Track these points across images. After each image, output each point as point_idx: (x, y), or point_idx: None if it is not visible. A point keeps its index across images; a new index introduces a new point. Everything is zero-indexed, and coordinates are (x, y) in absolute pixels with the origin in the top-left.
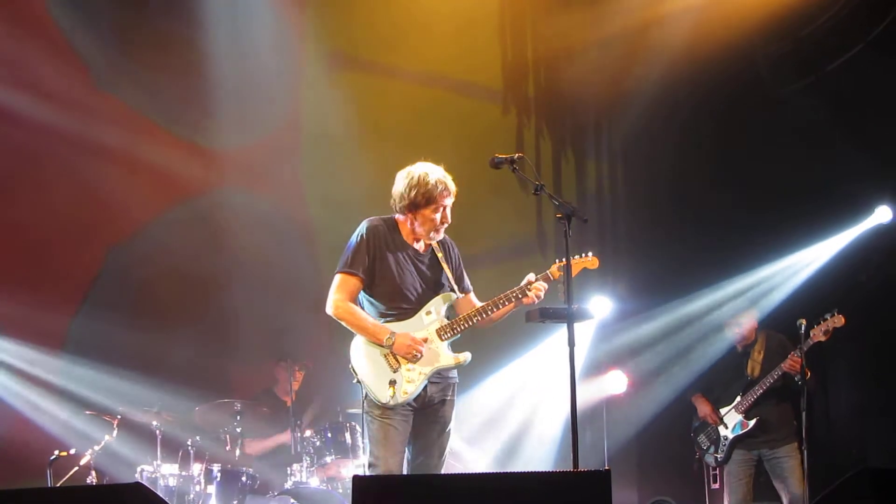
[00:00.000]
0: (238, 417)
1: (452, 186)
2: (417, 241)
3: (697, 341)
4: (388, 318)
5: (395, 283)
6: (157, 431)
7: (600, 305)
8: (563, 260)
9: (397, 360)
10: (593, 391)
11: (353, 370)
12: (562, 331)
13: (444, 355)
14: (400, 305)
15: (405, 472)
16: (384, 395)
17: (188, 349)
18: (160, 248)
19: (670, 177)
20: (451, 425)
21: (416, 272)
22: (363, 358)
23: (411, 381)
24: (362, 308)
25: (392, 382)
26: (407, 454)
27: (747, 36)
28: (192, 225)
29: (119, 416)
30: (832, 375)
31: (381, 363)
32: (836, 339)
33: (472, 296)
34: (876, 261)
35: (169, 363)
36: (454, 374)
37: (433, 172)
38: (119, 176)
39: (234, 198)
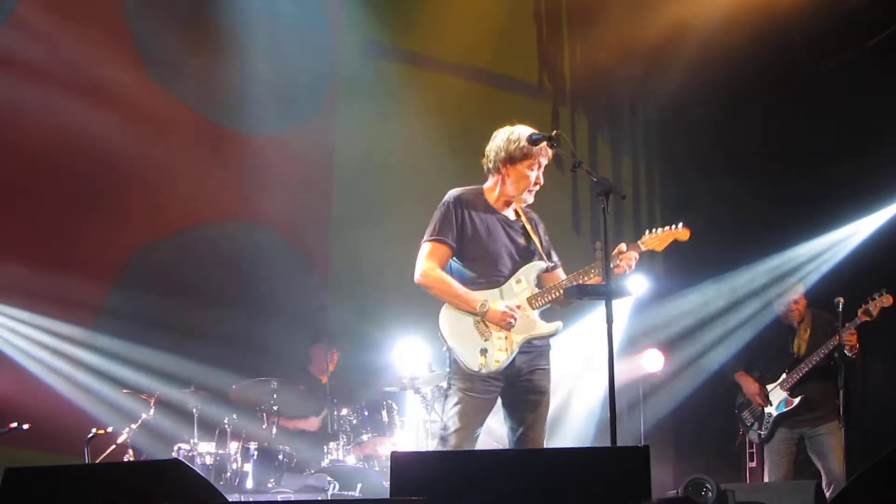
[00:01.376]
0: (275, 395)
1: (546, 149)
2: (507, 207)
3: (735, 319)
4: (477, 286)
5: (485, 249)
6: (194, 410)
7: (637, 283)
8: (653, 231)
9: (488, 328)
10: (630, 370)
11: (443, 338)
12: (600, 308)
13: (537, 323)
14: (490, 272)
15: (503, 447)
16: (475, 362)
17: (224, 328)
18: (195, 227)
19: (707, 152)
20: (549, 394)
21: (507, 239)
22: (453, 326)
23: (503, 350)
24: (451, 276)
25: (483, 351)
26: (507, 430)
27: (784, 12)
28: (228, 205)
29: (156, 395)
30: (870, 352)
31: (472, 331)
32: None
33: (559, 271)
34: None
35: (205, 341)
36: (545, 342)
37: (524, 129)
38: (153, 157)
39: (270, 178)
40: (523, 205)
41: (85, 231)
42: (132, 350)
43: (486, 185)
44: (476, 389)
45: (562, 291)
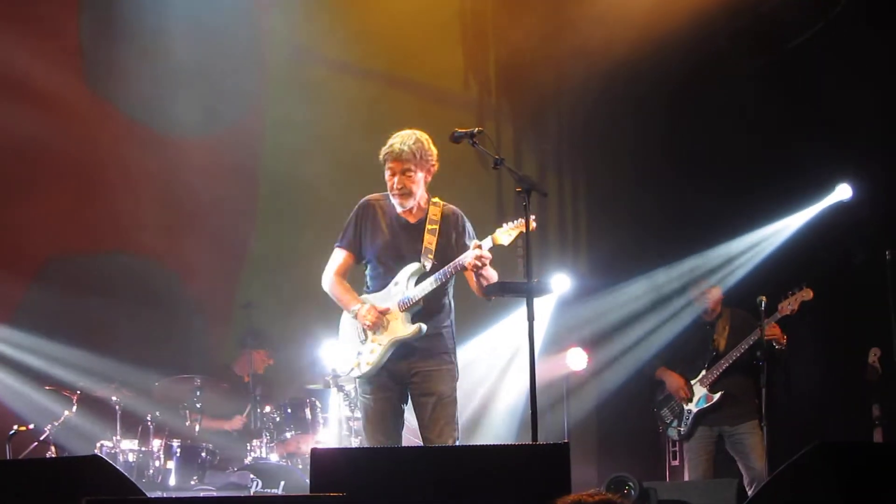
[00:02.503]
0: (198, 393)
1: (398, 153)
2: (410, 209)
3: (657, 318)
4: (371, 290)
5: (380, 252)
6: (117, 407)
7: (560, 282)
8: (506, 225)
9: (365, 333)
10: (554, 368)
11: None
12: (522, 306)
13: (399, 326)
14: (378, 276)
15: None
16: (347, 365)
17: (147, 325)
18: (117, 224)
19: (631, 152)
20: (449, 396)
21: (395, 242)
22: (344, 330)
23: (372, 352)
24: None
25: (357, 354)
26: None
27: (709, 10)
28: (152, 204)
29: (79, 392)
30: (791, 350)
31: (354, 335)
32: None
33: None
34: (835, 237)
35: (128, 339)
36: (439, 346)
37: (399, 135)
38: (74, 154)
39: (194, 181)
40: (407, 203)
41: (3, 226)
42: (54, 347)
43: None
44: (370, 392)
45: (428, 291)
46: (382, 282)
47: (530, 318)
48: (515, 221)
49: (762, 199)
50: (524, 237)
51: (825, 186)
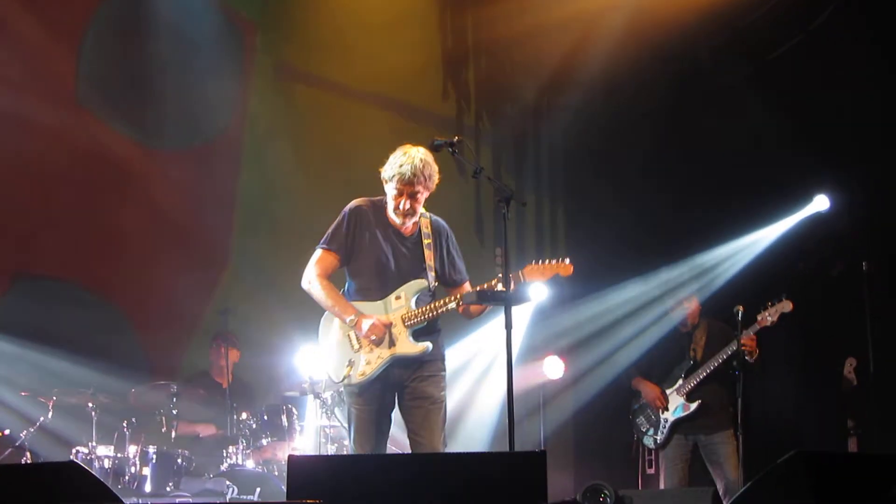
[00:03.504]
0: (174, 399)
1: (410, 178)
2: (406, 220)
3: (633, 328)
4: (361, 298)
5: (369, 262)
6: (93, 413)
7: (538, 290)
8: (539, 263)
9: (360, 342)
10: (530, 376)
11: (318, 345)
12: (500, 314)
13: (404, 342)
14: (372, 286)
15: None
16: (339, 374)
17: (122, 330)
18: (94, 228)
19: (610, 163)
20: (442, 400)
21: (394, 254)
22: (328, 334)
23: (369, 364)
24: (346, 286)
25: (350, 362)
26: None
27: (688, 25)
28: (126, 204)
29: (54, 398)
30: (767, 360)
31: (345, 342)
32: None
33: (467, 286)
34: (812, 248)
35: (103, 344)
36: (434, 353)
37: (408, 156)
38: (57, 162)
39: (175, 190)
40: (409, 221)
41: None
42: (29, 352)
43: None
44: (360, 402)
45: (436, 312)
46: (379, 293)
47: (508, 327)
48: (549, 261)
49: (740, 210)
50: (503, 246)
51: (803, 197)
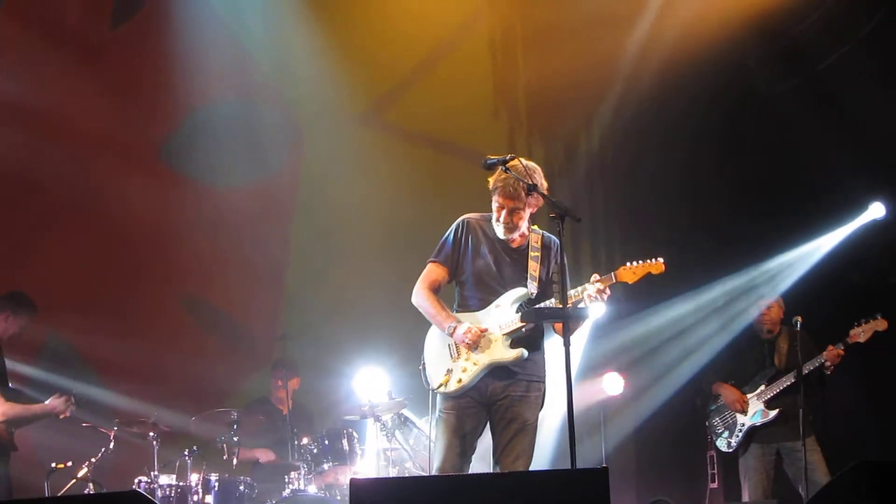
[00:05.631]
0: (235, 426)
1: (510, 192)
2: (512, 233)
3: (693, 342)
4: (463, 308)
5: (474, 273)
6: (154, 442)
7: (596, 307)
8: (631, 264)
9: (459, 350)
10: (590, 393)
11: (423, 355)
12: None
13: (499, 348)
14: (476, 296)
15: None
16: (436, 380)
17: (184, 359)
18: (156, 257)
19: (665, 176)
20: (533, 424)
21: (498, 265)
22: (432, 346)
23: (466, 371)
24: (455, 297)
25: (448, 371)
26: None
27: (738, 35)
28: (186, 236)
29: (115, 428)
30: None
31: (444, 352)
32: (834, 334)
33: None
34: (869, 257)
35: (164, 374)
36: (534, 372)
37: (512, 166)
38: (120, 198)
39: (234, 224)
40: (512, 234)
41: (38, 259)
42: (90, 384)
43: None
44: (450, 408)
45: (525, 324)
46: (481, 303)
47: (566, 344)
48: (642, 261)
49: (796, 219)
50: (559, 263)
51: (859, 205)
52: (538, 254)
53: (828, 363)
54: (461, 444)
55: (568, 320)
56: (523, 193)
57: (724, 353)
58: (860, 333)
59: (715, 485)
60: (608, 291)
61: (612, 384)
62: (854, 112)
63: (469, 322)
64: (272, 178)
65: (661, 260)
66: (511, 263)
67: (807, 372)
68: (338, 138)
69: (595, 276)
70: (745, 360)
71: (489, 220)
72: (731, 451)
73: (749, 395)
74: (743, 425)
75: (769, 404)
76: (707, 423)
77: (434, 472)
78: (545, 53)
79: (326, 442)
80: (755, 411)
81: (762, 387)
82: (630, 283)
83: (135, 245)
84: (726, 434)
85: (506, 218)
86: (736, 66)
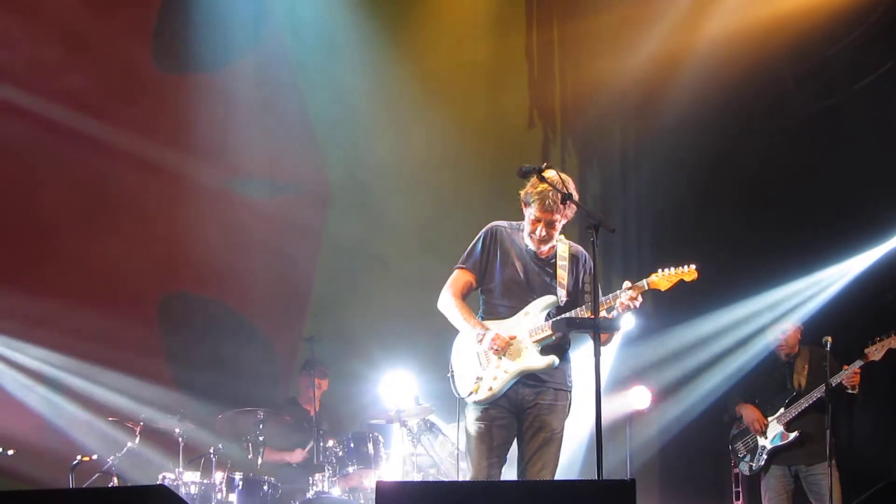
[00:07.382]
0: (261, 426)
1: (550, 205)
2: (542, 244)
3: (721, 358)
4: (490, 316)
5: (503, 282)
6: (180, 438)
7: (626, 319)
8: (663, 271)
9: (488, 359)
10: (617, 406)
11: (450, 364)
12: (586, 343)
13: (530, 356)
14: (503, 304)
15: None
16: (466, 389)
17: (211, 357)
18: (186, 260)
19: (697, 192)
20: (560, 432)
21: (527, 274)
22: (460, 352)
23: (496, 378)
24: (480, 305)
25: (478, 379)
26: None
27: (774, 55)
28: (218, 240)
29: (142, 423)
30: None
31: (473, 359)
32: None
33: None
34: None
35: (192, 371)
36: (561, 380)
37: (549, 179)
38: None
39: (263, 233)
40: (545, 247)
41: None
42: (118, 377)
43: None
44: (482, 419)
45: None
46: (510, 311)
47: (597, 355)
48: (675, 269)
49: (828, 240)
50: (592, 272)
51: (890, 227)
52: (566, 262)
53: (845, 382)
54: (495, 455)
55: (599, 331)
56: (561, 206)
57: (750, 371)
58: (874, 352)
59: (740, 502)
60: (640, 299)
61: (640, 398)
62: (888, 132)
63: (497, 329)
64: (304, 186)
65: (693, 267)
66: (539, 273)
67: (824, 392)
68: (369, 146)
69: (627, 284)
70: (767, 380)
71: (518, 228)
72: (751, 474)
73: (770, 418)
74: (764, 448)
75: (789, 426)
76: (730, 447)
77: (468, 478)
78: (582, 66)
79: (352, 445)
80: (775, 434)
81: (781, 409)
82: (663, 290)
83: (174, 250)
84: (748, 458)
85: (542, 231)
86: (773, 84)
